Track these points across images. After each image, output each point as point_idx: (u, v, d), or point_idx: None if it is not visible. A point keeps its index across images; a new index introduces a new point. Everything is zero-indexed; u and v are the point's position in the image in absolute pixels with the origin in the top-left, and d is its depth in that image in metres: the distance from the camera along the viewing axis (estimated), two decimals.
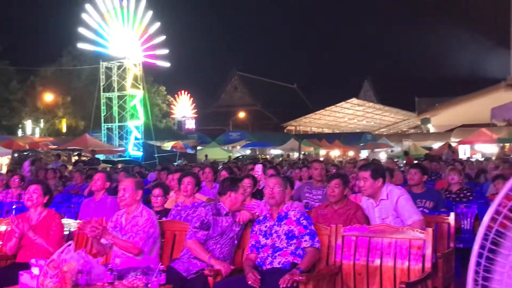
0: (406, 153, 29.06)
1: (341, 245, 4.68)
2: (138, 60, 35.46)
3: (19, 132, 44.22)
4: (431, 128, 53.34)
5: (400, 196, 5.16)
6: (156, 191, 6.67)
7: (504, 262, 1.71)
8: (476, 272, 1.79)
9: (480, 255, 1.77)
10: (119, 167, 19.61)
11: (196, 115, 57.63)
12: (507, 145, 31.38)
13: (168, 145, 33.98)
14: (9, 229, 5.43)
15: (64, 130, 47.40)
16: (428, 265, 4.36)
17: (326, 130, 59.88)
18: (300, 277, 4.13)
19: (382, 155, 35.52)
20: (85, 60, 43.14)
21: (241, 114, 61.10)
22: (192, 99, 57.40)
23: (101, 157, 26.46)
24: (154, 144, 31.65)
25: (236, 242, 4.98)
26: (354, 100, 54.09)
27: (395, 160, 21.34)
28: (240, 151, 39.51)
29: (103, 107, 35.60)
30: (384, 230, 4.66)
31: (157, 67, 37.70)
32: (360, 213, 5.35)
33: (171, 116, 54.90)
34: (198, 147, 36.76)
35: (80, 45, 35.17)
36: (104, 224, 4.96)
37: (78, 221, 6.27)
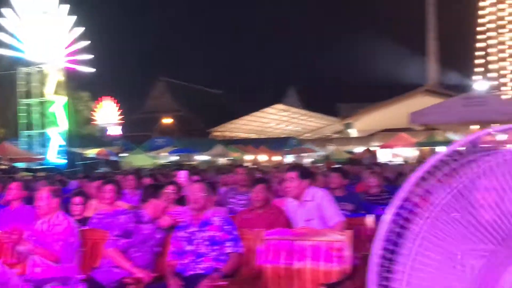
0: (327, 157, 29.71)
1: (264, 249, 4.73)
2: (60, 66, 34.48)
3: None
4: (354, 133, 54.79)
5: (323, 198, 5.28)
6: (76, 199, 6.50)
7: (405, 262, 1.78)
8: (379, 273, 1.86)
9: (383, 256, 1.83)
10: (40, 175, 18.98)
11: (123, 121, 56.53)
12: (426, 148, 32.60)
13: (92, 152, 33.18)
14: None
15: None
16: (347, 266, 4.47)
17: (253, 136, 60.29)
18: (220, 282, 4.14)
19: (308, 160, 36.12)
20: (3, 65, 41.50)
21: (167, 120, 60.53)
22: (118, 105, 56.25)
23: (21, 165, 25.51)
24: (77, 151, 30.84)
25: (158, 249, 4.94)
26: (279, 106, 54.78)
27: (320, 164, 21.73)
28: (166, 157, 39.09)
29: (22, 114, 34.38)
30: (305, 233, 4.74)
31: (82, 73, 36.80)
32: (283, 217, 5.42)
33: (92, 122, 53.60)
34: (123, 154, 36.09)
35: None
36: (20, 233, 4.80)
37: None
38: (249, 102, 57.97)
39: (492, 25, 64.86)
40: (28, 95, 34.62)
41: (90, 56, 35.77)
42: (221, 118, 58.41)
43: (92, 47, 35.94)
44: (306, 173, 5.48)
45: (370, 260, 1.88)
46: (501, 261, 1.71)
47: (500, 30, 64.94)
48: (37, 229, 4.91)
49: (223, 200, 7.66)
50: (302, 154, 40.11)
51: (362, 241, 5.60)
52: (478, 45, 64.77)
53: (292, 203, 5.45)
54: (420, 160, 24.64)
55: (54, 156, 33.66)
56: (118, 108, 56.94)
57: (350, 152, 37.27)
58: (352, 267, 4.52)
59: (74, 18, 34.43)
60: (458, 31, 65.21)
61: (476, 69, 63.20)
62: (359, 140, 45.44)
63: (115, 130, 53.89)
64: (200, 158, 39.97)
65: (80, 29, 34.66)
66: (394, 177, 12.59)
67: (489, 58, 64.56)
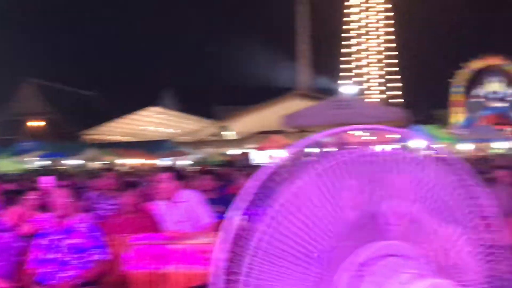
0: (203, 160, 29.88)
1: (130, 255, 4.63)
2: None
3: None
4: (230, 135, 55.42)
5: (195, 200, 5.30)
6: None
7: (246, 264, 1.82)
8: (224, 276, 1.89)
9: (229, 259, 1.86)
10: None
11: None
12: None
13: None
14: None
15: None
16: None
17: (130, 139, 59.11)
18: None
19: (184, 163, 35.99)
20: None
21: (36, 124, 57.65)
22: None
23: None
24: None
25: (18, 258, 4.67)
26: (155, 108, 54.16)
27: (195, 167, 21.76)
28: (33, 162, 37.20)
29: None
30: (173, 236, 4.71)
31: None
32: (150, 221, 5.36)
33: None
34: None
35: None
36: None
37: None
38: (124, 105, 56.83)
39: (359, 31, 68.48)
40: None
41: None
42: (94, 121, 56.68)
43: None
44: (178, 175, 5.51)
45: (213, 263, 1.91)
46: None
47: (366, 36, 68.72)
48: None
49: (91, 205, 7.42)
50: (178, 157, 39.88)
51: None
52: (345, 50, 68.08)
53: (164, 205, 5.42)
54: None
55: None
56: None
57: (226, 155, 37.66)
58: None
59: None
60: (329, 36, 68.17)
61: (344, 74, 66.41)
62: (235, 143, 46.00)
63: None
64: (72, 162, 38.52)
65: None
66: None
67: (357, 63, 68.09)
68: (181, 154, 40.89)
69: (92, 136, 58.21)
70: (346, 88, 46.39)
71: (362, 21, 68.51)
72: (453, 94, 49.43)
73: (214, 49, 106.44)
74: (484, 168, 9.10)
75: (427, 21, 67.80)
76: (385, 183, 2.06)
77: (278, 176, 1.91)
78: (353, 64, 67.73)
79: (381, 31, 68.21)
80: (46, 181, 8.34)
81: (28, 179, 14.35)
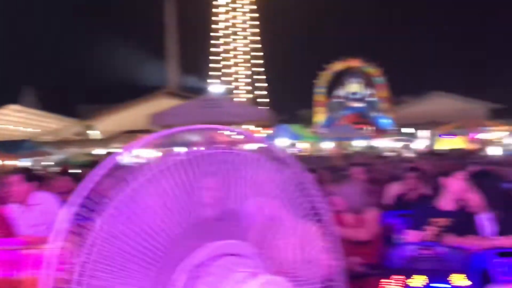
0: (65, 160, 28.82)
1: None
2: None
3: None
4: (95, 135, 53.76)
5: (50, 202, 5.12)
6: None
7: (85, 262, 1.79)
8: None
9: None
10: None
11: None
12: (166, 150, 33.40)
13: None
14: None
15: None
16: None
17: None
18: None
19: (45, 163, 34.40)
20: None
21: None
22: None
23: None
24: None
25: None
26: (14, 106, 51.25)
27: (55, 168, 20.89)
28: None
29: None
30: (29, 241, 4.49)
31: None
32: (4, 225, 5.07)
33: None
34: None
35: None
36: None
37: None
38: None
39: (226, 31, 69.26)
40: None
41: None
42: None
43: None
44: (31, 176, 5.24)
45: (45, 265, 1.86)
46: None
47: (233, 37, 69.65)
48: None
49: None
50: (39, 158, 38.01)
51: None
52: (213, 49, 68.57)
53: (16, 208, 5.16)
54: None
55: None
56: None
57: (91, 155, 36.48)
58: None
59: None
60: (198, 35, 68.39)
61: (213, 73, 66.90)
62: (100, 142, 44.69)
63: None
64: None
65: None
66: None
67: (225, 63, 68.81)
68: (42, 154, 39.03)
69: None
70: (215, 88, 46.76)
71: (229, 21, 69.37)
72: (316, 95, 51.52)
73: (80, 47, 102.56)
74: (343, 165, 9.58)
75: (291, 22, 70.48)
76: (240, 181, 2.08)
77: (115, 176, 1.88)
78: (221, 64, 68.39)
79: (248, 31, 69.50)
80: None
81: None
